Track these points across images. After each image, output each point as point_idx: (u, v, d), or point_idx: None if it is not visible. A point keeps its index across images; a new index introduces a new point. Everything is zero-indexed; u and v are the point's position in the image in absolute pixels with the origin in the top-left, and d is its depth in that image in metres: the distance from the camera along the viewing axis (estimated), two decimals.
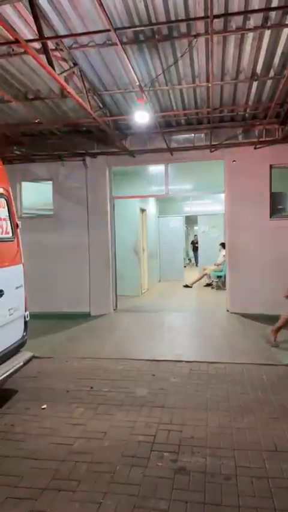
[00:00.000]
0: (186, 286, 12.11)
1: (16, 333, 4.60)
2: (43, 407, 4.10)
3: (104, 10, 3.42)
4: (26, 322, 4.83)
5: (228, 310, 8.10)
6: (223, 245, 11.32)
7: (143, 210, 11.26)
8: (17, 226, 4.83)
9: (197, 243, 18.75)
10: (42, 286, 8.59)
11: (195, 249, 18.67)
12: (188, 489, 2.75)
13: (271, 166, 7.79)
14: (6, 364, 4.18)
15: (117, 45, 4.11)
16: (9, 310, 4.36)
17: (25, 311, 4.81)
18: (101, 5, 3.35)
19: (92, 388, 4.57)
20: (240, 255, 7.93)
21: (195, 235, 19.03)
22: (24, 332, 4.79)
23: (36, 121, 6.77)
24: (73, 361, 5.51)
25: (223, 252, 11.10)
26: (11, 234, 4.69)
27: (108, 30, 3.78)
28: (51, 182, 8.60)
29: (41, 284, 8.61)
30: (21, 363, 4.34)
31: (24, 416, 3.91)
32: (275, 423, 3.66)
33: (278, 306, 7.69)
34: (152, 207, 13.02)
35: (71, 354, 5.86)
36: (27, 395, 4.43)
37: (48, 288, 8.53)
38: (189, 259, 21.33)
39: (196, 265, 18.41)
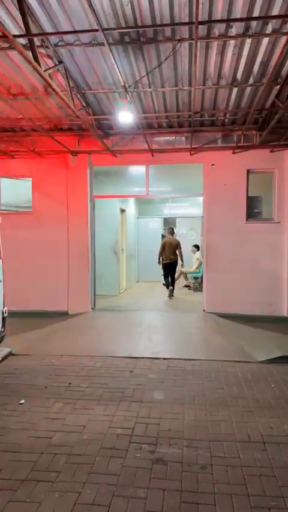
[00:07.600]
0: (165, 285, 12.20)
1: None
2: (21, 402, 4.10)
3: (93, 10, 3.48)
4: (4, 318, 4.82)
5: (204, 310, 8.27)
6: (197, 247, 11.50)
7: (122, 211, 11.31)
8: None
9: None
10: (19, 284, 8.51)
11: None
12: (165, 478, 2.83)
13: (248, 171, 8.03)
14: None
15: (103, 45, 4.19)
16: None
17: (3, 307, 4.79)
18: (90, 5, 3.41)
19: (70, 384, 4.59)
20: (216, 256, 8.12)
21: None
22: (2, 328, 4.77)
23: (19, 117, 6.72)
24: (51, 358, 5.51)
25: (197, 254, 11.27)
26: None
27: (96, 30, 3.86)
28: (30, 179, 8.55)
29: (18, 281, 8.53)
30: None
31: (2, 411, 3.90)
32: (249, 416, 3.80)
33: (253, 305, 7.96)
34: (131, 207, 13.09)
35: (49, 351, 5.85)
36: (5, 391, 4.41)
37: (26, 285, 8.46)
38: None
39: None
